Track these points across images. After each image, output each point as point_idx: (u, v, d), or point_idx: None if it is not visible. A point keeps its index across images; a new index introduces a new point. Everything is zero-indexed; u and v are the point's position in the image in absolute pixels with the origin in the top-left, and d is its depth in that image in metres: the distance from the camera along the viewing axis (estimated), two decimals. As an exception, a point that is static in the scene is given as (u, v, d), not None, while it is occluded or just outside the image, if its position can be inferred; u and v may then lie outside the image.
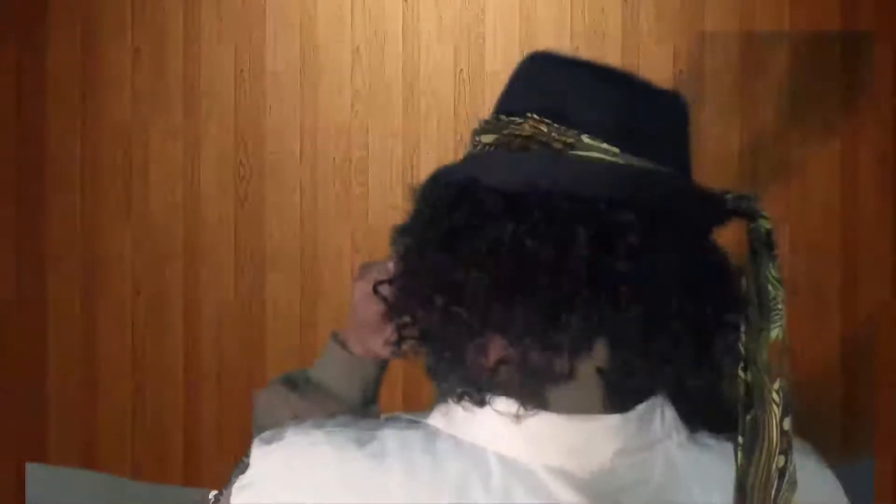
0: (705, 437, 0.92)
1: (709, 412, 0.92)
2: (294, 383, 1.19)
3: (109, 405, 3.12)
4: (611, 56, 3.01)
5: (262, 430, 1.14)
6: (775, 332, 0.93)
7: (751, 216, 0.95)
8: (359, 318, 1.17)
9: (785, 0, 3.00)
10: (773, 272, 0.94)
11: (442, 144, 3.02)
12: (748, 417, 0.89)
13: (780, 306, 0.93)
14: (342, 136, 3.07)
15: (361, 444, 0.88)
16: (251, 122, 3.09)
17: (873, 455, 2.96)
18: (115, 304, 3.11)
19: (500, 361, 0.87)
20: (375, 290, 1.01)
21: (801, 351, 2.98)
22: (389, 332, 0.95)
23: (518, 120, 0.93)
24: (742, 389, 0.91)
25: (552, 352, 0.86)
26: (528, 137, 0.91)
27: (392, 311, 0.95)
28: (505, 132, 0.93)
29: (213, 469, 3.08)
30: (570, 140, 0.90)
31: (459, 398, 0.89)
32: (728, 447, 0.91)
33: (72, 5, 3.12)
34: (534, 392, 0.87)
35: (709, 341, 0.90)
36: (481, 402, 0.88)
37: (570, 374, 0.87)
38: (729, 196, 0.95)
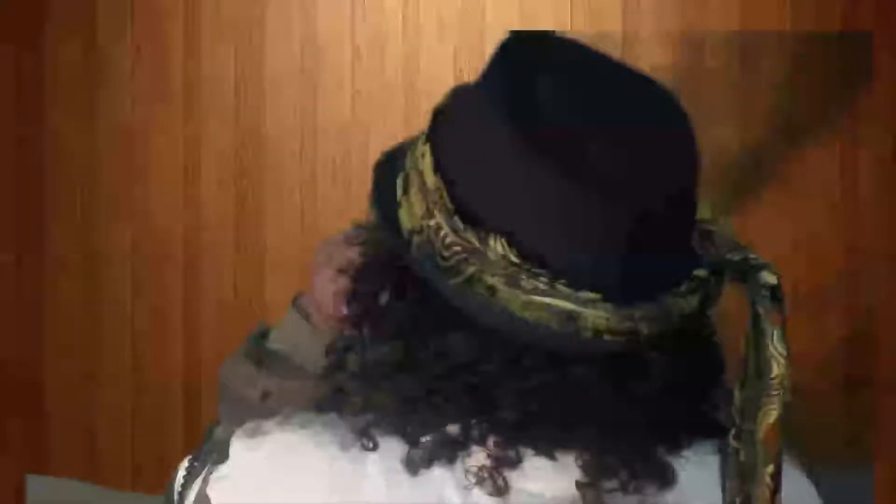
0: (684, 451, 0.90)
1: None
2: (259, 358, 1.16)
3: (109, 405, 3.12)
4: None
5: (229, 405, 1.13)
6: (773, 416, 0.83)
7: (750, 277, 0.83)
8: (320, 299, 1.13)
9: (785, 0, 3.00)
10: (778, 345, 0.83)
11: (442, 144, 3.02)
12: (739, 499, 0.86)
13: (784, 384, 0.83)
14: (342, 136, 3.07)
15: (346, 447, 0.87)
16: (251, 122, 3.09)
17: (874, 456, 2.96)
18: (115, 304, 3.11)
19: (474, 428, 0.83)
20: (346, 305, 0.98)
21: (800, 352, 2.98)
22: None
23: (480, 243, 0.80)
24: (734, 464, 0.85)
25: (537, 430, 0.82)
26: (492, 262, 0.79)
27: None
28: (464, 236, 0.80)
29: (213, 469, 3.08)
30: (541, 286, 0.79)
31: (429, 462, 0.85)
32: (707, 459, 0.89)
33: (72, 5, 3.12)
34: (514, 452, 0.85)
35: (692, 433, 0.86)
36: (452, 460, 0.85)
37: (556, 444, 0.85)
38: (729, 258, 0.84)
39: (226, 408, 1.13)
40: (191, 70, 3.11)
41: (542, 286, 0.79)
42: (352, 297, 0.90)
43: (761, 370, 0.83)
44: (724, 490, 0.86)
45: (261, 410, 1.07)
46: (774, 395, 0.83)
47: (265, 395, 1.10)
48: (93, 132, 3.13)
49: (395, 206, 0.87)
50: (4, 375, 3.14)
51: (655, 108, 0.87)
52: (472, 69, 3.03)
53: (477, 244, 0.80)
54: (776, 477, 0.84)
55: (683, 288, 0.82)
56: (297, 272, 3.08)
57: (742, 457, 0.85)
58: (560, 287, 0.79)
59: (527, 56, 0.85)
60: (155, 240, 3.11)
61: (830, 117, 2.99)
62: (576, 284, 0.79)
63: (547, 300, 0.79)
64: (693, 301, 0.83)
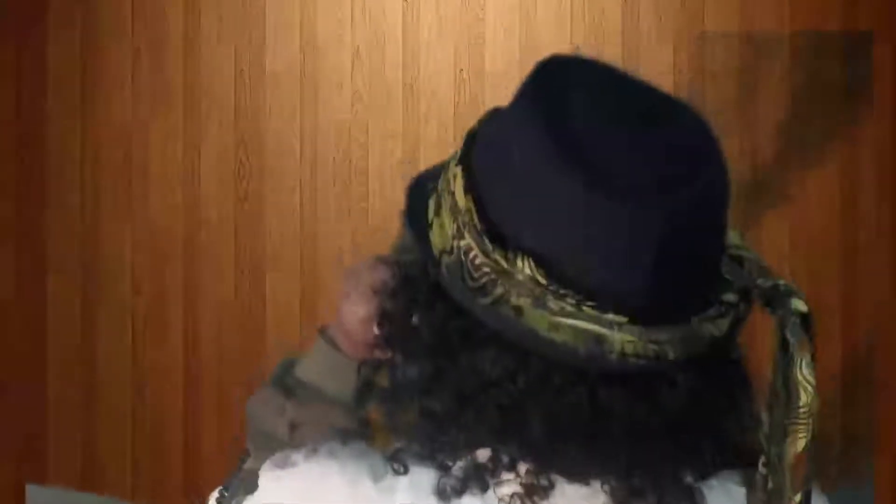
0: (710, 480, 0.90)
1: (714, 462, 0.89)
2: (288, 388, 1.16)
3: (109, 405, 3.12)
4: (611, 56, 3.01)
5: (257, 438, 1.12)
6: (802, 443, 0.82)
7: (779, 304, 0.82)
8: (348, 326, 1.13)
9: (785, 0, 3.00)
10: (807, 372, 0.81)
11: (442, 144, 3.02)
12: None
13: (812, 413, 0.82)
14: (342, 136, 3.07)
15: (375, 477, 0.87)
16: (251, 122, 3.09)
17: (874, 456, 2.95)
18: (115, 304, 3.12)
19: (508, 456, 0.84)
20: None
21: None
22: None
23: (508, 264, 0.80)
24: (761, 491, 0.84)
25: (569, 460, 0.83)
26: (519, 283, 0.80)
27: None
28: (493, 257, 0.80)
29: (213, 469, 3.08)
30: (567, 308, 0.79)
31: (460, 492, 0.85)
32: (731, 486, 0.89)
33: (72, 5, 3.12)
34: (546, 478, 0.84)
35: (721, 461, 0.86)
36: (484, 489, 0.84)
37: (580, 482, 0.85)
38: (760, 283, 0.83)
39: (254, 439, 1.13)
40: (191, 70, 3.11)
41: (568, 308, 0.79)
42: (382, 317, 0.91)
43: (790, 397, 0.82)
44: None
45: (290, 442, 1.07)
46: (802, 423, 0.82)
47: (294, 427, 1.09)
48: (93, 132, 3.13)
49: (426, 226, 0.87)
50: (6, 371, 3.14)
51: (686, 128, 0.87)
52: (472, 69, 3.03)
53: (505, 265, 0.80)
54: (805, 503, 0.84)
55: (712, 312, 0.82)
56: (297, 272, 3.08)
57: (770, 483, 0.84)
58: (586, 309, 0.79)
59: (560, 75, 0.87)
60: (155, 240, 3.11)
61: (830, 117, 2.99)
62: (602, 306, 0.79)
63: (574, 322, 0.79)
64: (723, 325, 0.82)
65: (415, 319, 0.87)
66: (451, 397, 0.83)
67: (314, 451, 0.89)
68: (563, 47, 3.02)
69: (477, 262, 0.81)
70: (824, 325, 2.98)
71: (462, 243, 0.82)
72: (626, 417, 0.81)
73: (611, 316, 0.79)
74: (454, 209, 0.84)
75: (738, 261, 0.85)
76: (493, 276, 0.81)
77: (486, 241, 0.81)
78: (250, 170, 3.09)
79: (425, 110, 3.05)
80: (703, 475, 0.85)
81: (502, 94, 3.02)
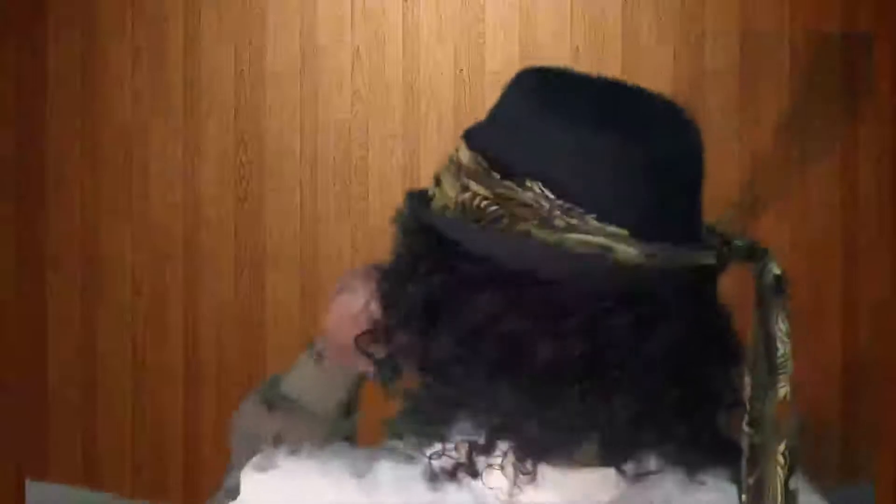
0: (702, 476, 0.90)
1: (705, 452, 0.91)
2: (271, 402, 1.15)
3: (109, 405, 3.12)
4: (611, 56, 3.02)
5: (241, 454, 1.12)
6: (783, 392, 0.88)
7: (757, 261, 0.89)
8: (337, 338, 1.13)
9: (785, 0, 3.00)
10: (783, 325, 0.88)
11: (442, 144, 3.02)
12: (752, 479, 0.88)
13: (788, 363, 0.88)
14: (342, 136, 3.07)
15: (357, 474, 0.87)
16: (251, 122, 3.09)
17: (875, 456, 2.96)
18: (115, 304, 3.12)
19: (496, 437, 0.85)
20: (357, 344, 0.97)
21: (800, 352, 2.98)
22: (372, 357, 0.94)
23: (516, 188, 0.84)
24: (747, 447, 0.88)
25: (552, 430, 0.84)
26: (526, 206, 0.84)
27: (374, 374, 0.93)
28: (499, 191, 0.85)
29: (213, 469, 3.08)
30: (573, 221, 0.83)
31: (452, 475, 0.86)
32: (724, 485, 0.90)
33: (72, 5, 3.12)
34: (532, 460, 0.85)
35: (708, 412, 0.88)
36: (475, 475, 0.86)
37: (571, 450, 0.86)
38: (737, 244, 0.89)
39: (239, 457, 1.13)
40: (191, 70, 3.11)
41: (574, 221, 0.83)
42: (380, 283, 0.92)
43: (769, 350, 0.87)
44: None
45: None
46: (782, 372, 0.87)
47: (278, 440, 1.09)
48: (93, 132, 3.13)
49: (426, 204, 0.91)
50: (6, 371, 3.14)
51: (667, 107, 0.91)
52: (472, 69, 3.03)
53: (512, 193, 0.83)
54: (789, 455, 0.86)
55: (698, 246, 0.87)
56: (297, 272, 3.08)
57: (755, 439, 0.87)
58: (591, 220, 0.82)
59: (542, 71, 0.93)
60: (155, 240, 3.11)
61: (830, 117, 2.99)
62: (605, 219, 0.83)
63: (578, 235, 0.83)
64: (709, 257, 0.87)
65: (410, 285, 0.89)
66: (451, 339, 0.84)
67: (295, 451, 0.89)
68: (563, 47, 3.02)
69: (483, 204, 0.85)
70: (824, 325, 2.98)
71: (466, 195, 0.86)
72: (624, 350, 0.83)
73: (613, 228, 0.82)
74: (457, 172, 0.88)
75: (713, 229, 0.92)
76: (498, 211, 0.84)
77: (495, 175, 0.85)
78: (250, 170, 3.09)
79: (425, 110, 3.05)
80: (694, 440, 0.88)
81: (502, 94, 3.01)
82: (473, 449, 0.85)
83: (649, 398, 0.84)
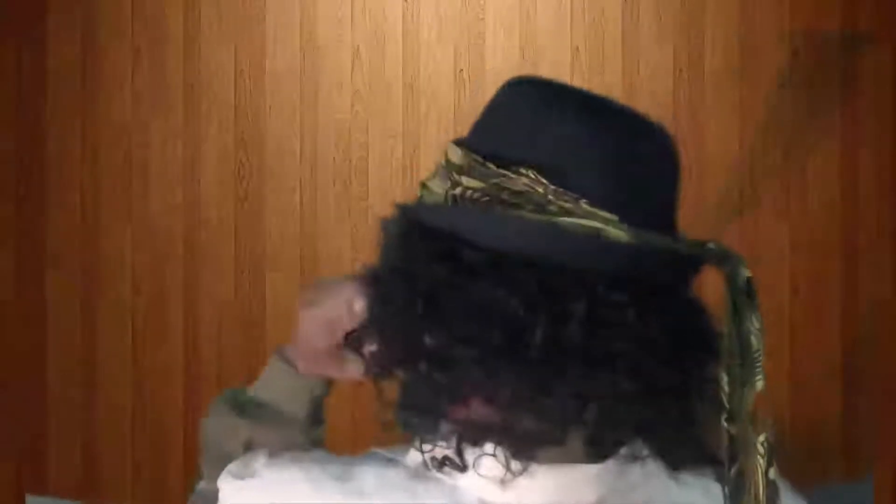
0: (686, 476, 0.91)
1: (688, 451, 0.92)
2: (241, 407, 1.13)
3: (109, 405, 3.12)
4: (611, 56, 3.02)
5: (211, 459, 1.11)
6: (759, 385, 0.90)
7: (729, 265, 0.91)
8: (310, 347, 1.11)
9: (785, 0, 3.00)
10: (756, 324, 0.90)
11: (442, 144, 3.02)
12: (733, 470, 0.89)
13: (761, 358, 0.91)
14: (342, 136, 3.07)
15: (340, 480, 0.87)
16: (251, 122, 3.09)
17: (874, 456, 2.96)
18: (115, 304, 3.12)
19: (488, 427, 0.86)
20: (347, 341, 0.98)
21: (800, 352, 2.98)
22: (345, 360, 0.94)
23: (510, 175, 0.87)
24: (726, 441, 0.89)
25: (545, 420, 0.85)
26: (519, 193, 0.86)
27: (368, 369, 0.93)
28: (493, 181, 0.87)
29: (213, 469, 3.08)
30: (567, 205, 0.86)
31: (440, 466, 0.87)
32: (709, 483, 0.91)
33: (72, 5, 3.12)
34: (521, 455, 0.86)
35: (692, 404, 0.90)
36: (464, 468, 0.86)
37: (562, 441, 0.86)
38: (711, 246, 0.91)
39: (209, 462, 1.11)
40: (191, 70, 3.11)
41: (567, 205, 0.85)
42: (374, 280, 0.93)
43: (743, 347, 0.89)
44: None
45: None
46: (758, 367, 0.89)
47: (248, 446, 1.08)
48: (93, 132, 3.13)
49: (415, 209, 0.92)
50: (6, 371, 3.14)
51: (639, 113, 0.95)
52: (472, 69, 3.03)
53: (509, 177, 0.86)
54: (769, 446, 0.87)
55: (680, 238, 0.90)
56: (297, 272, 3.08)
57: (734, 432, 0.89)
58: (584, 205, 0.85)
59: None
60: (155, 240, 3.11)
61: (830, 117, 2.99)
62: (596, 203, 0.86)
63: (571, 219, 0.86)
64: (690, 248, 0.90)
65: (407, 278, 0.90)
66: (452, 329, 0.85)
67: (275, 457, 0.89)
68: (563, 47, 3.02)
69: (474, 196, 0.88)
70: (824, 325, 2.98)
71: (456, 190, 0.89)
72: (622, 333, 0.85)
73: (605, 213, 0.86)
74: (448, 172, 0.90)
75: (685, 237, 0.94)
76: (491, 200, 0.87)
77: (490, 164, 0.88)
78: (250, 170, 3.09)
79: (425, 110, 3.05)
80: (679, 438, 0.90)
81: (502, 94, 3.01)
82: (463, 439, 0.85)
83: (645, 382, 0.86)
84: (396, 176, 3.04)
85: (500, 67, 3.01)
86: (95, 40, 3.12)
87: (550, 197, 0.86)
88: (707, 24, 3.01)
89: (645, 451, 0.90)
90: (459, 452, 0.86)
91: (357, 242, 3.06)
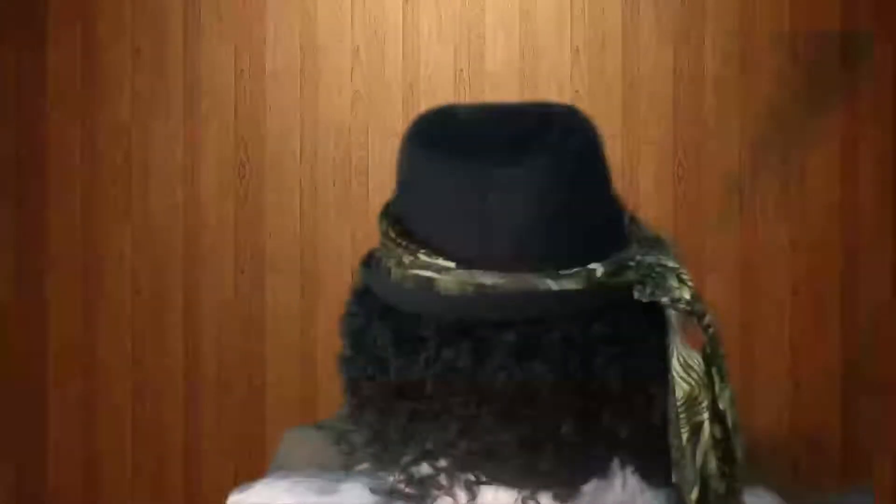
0: (672, 494, 0.90)
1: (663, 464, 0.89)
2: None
3: (109, 406, 3.12)
4: (611, 56, 3.02)
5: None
6: (686, 437, 0.85)
7: (660, 281, 0.85)
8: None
9: (785, 0, 3.00)
10: (680, 365, 0.84)
11: (442, 144, 3.02)
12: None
13: (690, 408, 0.85)
14: (342, 136, 3.07)
15: (322, 493, 0.91)
16: (251, 122, 3.10)
17: (874, 456, 2.96)
18: (115, 304, 3.12)
19: (439, 468, 0.87)
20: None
21: (800, 351, 2.98)
22: None
23: (388, 236, 0.90)
24: (679, 458, 0.87)
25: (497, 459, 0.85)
26: (391, 251, 0.89)
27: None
28: (383, 240, 0.92)
29: (213, 470, 3.08)
30: (410, 258, 0.87)
31: (407, 501, 0.88)
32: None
33: (72, 5, 3.12)
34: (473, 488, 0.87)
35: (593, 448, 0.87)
36: (422, 501, 0.88)
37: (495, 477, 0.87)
38: (640, 258, 0.86)
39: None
40: (191, 70, 3.11)
41: (409, 258, 0.87)
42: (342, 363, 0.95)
43: (669, 388, 0.85)
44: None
45: None
46: (682, 415, 0.84)
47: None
48: (93, 132, 3.13)
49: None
50: (6, 371, 3.14)
51: (543, 130, 0.89)
52: (472, 69, 3.03)
53: (387, 237, 0.90)
54: (723, 456, 0.85)
55: (562, 273, 0.84)
56: (297, 272, 3.08)
57: (683, 447, 0.86)
58: (422, 256, 0.86)
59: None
60: (155, 240, 3.11)
61: (830, 117, 2.99)
62: (434, 254, 0.86)
63: (414, 271, 0.86)
64: (566, 284, 0.84)
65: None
66: (369, 377, 0.89)
67: (273, 476, 0.95)
68: (563, 47, 3.02)
69: (377, 254, 0.92)
70: (824, 324, 2.98)
71: (378, 253, 0.92)
72: (461, 376, 0.84)
73: (440, 261, 0.85)
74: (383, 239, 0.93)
75: (634, 220, 0.90)
76: (385, 259, 0.90)
77: (383, 225, 0.91)
78: (250, 170, 3.09)
79: (425, 110, 3.05)
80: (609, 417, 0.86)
81: (502, 94, 3.02)
82: (418, 478, 0.87)
83: (493, 428, 0.84)
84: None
85: (500, 67, 3.01)
86: (95, 40, 3.13)
87: (400, 251, 0.88)
88: (707, 24, 3.01)
89: (627, 468, 0.88)
90: (420, 489, 0.87)
91: (357, 242, 3.06)
